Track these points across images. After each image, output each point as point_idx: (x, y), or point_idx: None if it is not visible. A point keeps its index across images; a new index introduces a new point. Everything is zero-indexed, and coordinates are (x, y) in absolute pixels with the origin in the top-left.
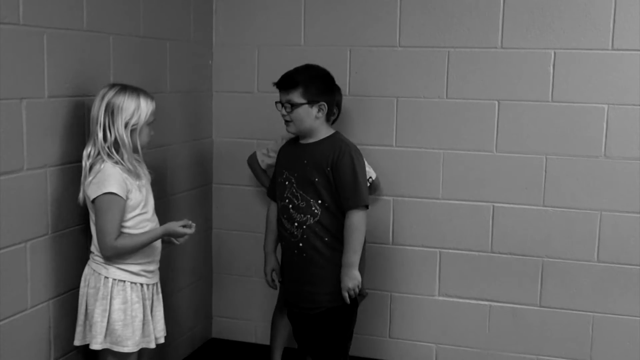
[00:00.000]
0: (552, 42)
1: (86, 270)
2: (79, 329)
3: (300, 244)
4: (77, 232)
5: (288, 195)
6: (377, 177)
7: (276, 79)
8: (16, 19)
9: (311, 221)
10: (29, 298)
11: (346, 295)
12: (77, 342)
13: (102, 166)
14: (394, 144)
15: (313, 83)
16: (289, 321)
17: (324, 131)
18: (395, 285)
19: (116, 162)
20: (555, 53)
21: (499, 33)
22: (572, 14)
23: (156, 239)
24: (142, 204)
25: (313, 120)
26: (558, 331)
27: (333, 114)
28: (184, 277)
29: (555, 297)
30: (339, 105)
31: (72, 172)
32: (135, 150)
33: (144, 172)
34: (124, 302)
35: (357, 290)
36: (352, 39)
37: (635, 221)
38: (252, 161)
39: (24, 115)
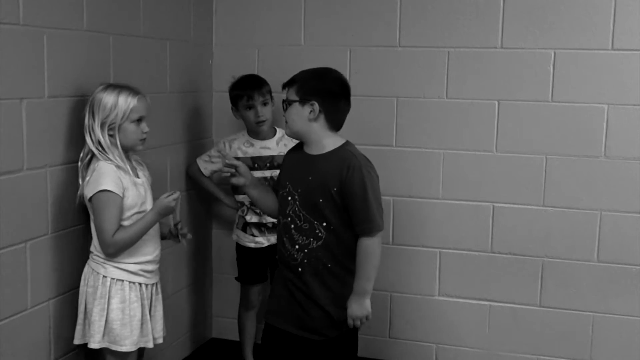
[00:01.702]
0: (552, 42)
1: (86, 269)
2: (78, 327)
3: (300, 269)
4: (77, 232)
5: (291, 213)
6: None
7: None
8: (16, 19)
9: (314, 245)
10: (29, 298)
11: (351, 322)
12: (76, 341)
13: (96, 165)
14: (394, 144)
15: (310, 81)
16: (254, 317)
17: (328, 141)
18: (395, 285)
19: (108, 160)
20: (555, 53)
21: (499, 33)
22: (572, 14)
23: (152, 222)
24: (141, 202)
25: (305, 122)
26: (558, 331)
27: (335, 122)
28: (184, 277)
29: (555, 297)
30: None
31: (72, 172)
32: (124, 149)
33: (144, 173)
34: (122, 301)
35: (364, 321)
36: (352, 39)
37: (635, 221)
38: (194, 171)
39: (24, 115)
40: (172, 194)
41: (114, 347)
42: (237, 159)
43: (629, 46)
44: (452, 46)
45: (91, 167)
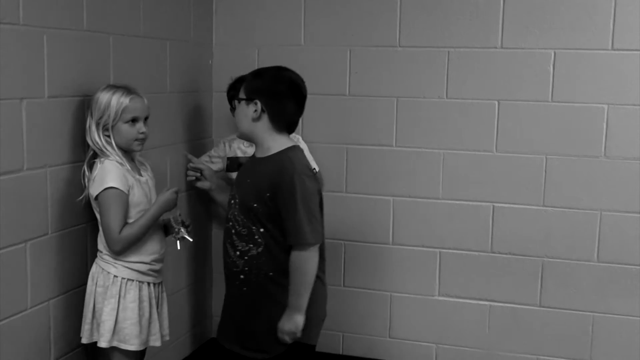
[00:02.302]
0: (552, 42)
1: (94, 268)
2: (86, 327)
3: (242, 276)
4: (77, 232)
5: (231, 217)
6: (319, 171)
7: None
8: (16, 19)
9: (254, 251)
10: (29, 298)
11: (280, 335)
12: (84, 340)
13: (100, 164)
14: (394, 144)
15: (257, 79)
16: None
17: (273, 143)
18: (395, 285)
19: (108, 160)
20: (555, 53)
21: (499, 33)
22: (572, 14)
23: (156, 216)
24: (147, 200)
25: (250, 122)
26: (558, 331)
27: (281, 123)
28: (184, 277)
29: (555, 297)
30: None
31: (72, 172)
32: (121, 149)
33: (147, 172)
34: (132, 300)
35: (293, 337)
36: (352, 39)
37: (635, 221)
38: None
39: (24, 115)
40: (170, 189)
41: (123, 346)
42: (236, 158)
43: (629, 46)
44: (452, 46)
45: (95, 166)
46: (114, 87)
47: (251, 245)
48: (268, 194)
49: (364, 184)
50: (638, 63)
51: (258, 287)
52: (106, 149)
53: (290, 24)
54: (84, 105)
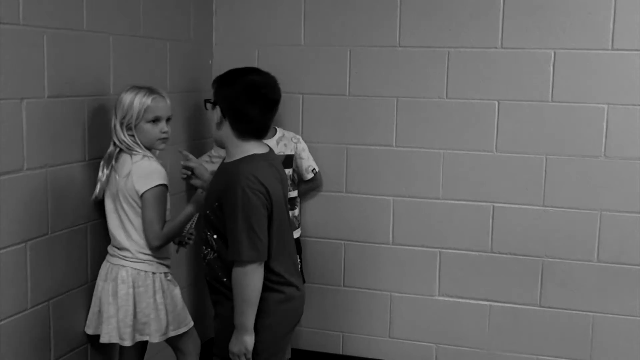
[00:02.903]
0: (552, 42)
1: (124, 272)
2: (127, 329)
3: (207, 278)
4: (77, 232)
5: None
6: (319, 171)
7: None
8: (16, 19)
9: (211, 256)
10: (29, 298)
11: (231, 357)
12: (129, 343)
13: (140, 160)
14: (394, 144)
15: (221, 84)
16: None
17: (236, 150)
18: (395, 285)
19: (144, 156)
20: (555, 53)
21: (499, 33)
22: (572, 14)
23: (192, 216)
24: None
25: (216, 126)
26: (558, 331)
27: (243, 131)
28: (184, 277)
29: (555, 297)
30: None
31: (72, 172)
32: (146, 148)
33: None
34: (174, 288)
35: (243, 359)
36: (352, 39)
37: (635, 221)
38: None
39: (24, 115)
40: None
41: (181, 331)
42: None
43: (629, 46)
44: (452, 46)
45: (125, 163)
46: (137, 88)
47: (209, 250)
48: (216, 204)
49: (364, 184)
50: (638, 63)
51: (215, 292)
52: (133, 147)
53: (290, 24)
54: (85, 105)
